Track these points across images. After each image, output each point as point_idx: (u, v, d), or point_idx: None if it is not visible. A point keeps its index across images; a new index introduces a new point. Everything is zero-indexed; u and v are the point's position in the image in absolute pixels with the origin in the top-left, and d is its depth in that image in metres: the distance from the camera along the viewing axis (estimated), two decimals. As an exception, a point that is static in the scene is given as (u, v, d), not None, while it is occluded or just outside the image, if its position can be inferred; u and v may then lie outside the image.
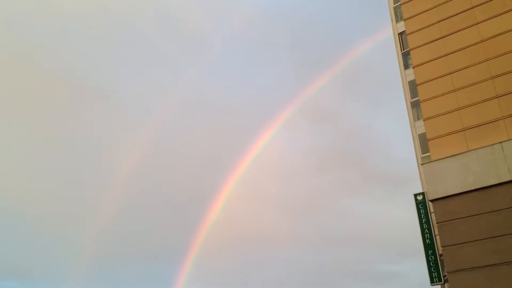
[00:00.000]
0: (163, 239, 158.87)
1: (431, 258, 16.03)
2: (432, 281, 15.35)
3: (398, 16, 32.57)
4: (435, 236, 18.14)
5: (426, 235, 16.42)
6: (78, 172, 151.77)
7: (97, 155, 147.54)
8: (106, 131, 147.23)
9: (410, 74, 27.91)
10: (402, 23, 30.71)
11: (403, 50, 31.08)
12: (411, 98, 28.49)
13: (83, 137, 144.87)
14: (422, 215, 17.00)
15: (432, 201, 14.41)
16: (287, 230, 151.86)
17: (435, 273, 16.83)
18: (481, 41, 15.81)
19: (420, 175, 20.48)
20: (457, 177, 14.01)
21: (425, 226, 16.66)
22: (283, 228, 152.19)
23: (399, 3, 27.65)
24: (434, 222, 16.70)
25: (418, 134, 25.92)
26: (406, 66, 30.61)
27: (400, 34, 31.36)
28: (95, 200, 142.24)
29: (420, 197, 17.39)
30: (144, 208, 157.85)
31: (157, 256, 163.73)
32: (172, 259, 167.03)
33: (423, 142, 23.50)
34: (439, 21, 17.32)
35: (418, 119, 26.11)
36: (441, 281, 17.91)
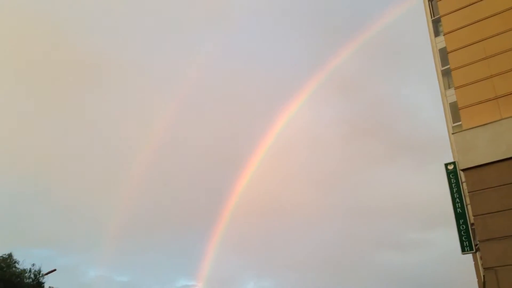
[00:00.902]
0: (190, 209, 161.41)
1: (463, 227, 16.01)
2: (463, 250, 15.39)
3: (428, -19, 31.76)
4: (466, 205, 18.05)
5: (457, 204, 16.38)
6: (105, 140, 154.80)
7: (124, 123, 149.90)
8: (132, 98, 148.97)
9: (441, 41, 27.35)
10: (432, -12, 30.00)
11: (434, 16, 30.39)
12: (442, 66, 27.97)
13: (108, 107, 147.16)
14: (453, 185, 16.92)
15: (463, 170, 14.32)
16: (314, 201, 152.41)
17: (466, 242, 16.82)
18: (515, 6, 15.41)
19: (451, 144, 20.26)
20: (489, 146, 13.86)
21: (456, 195, 16.60)
22: (310, 199, 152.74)
23: (429, -32, 26.97)
24: (465, 191, 16.59)
25: (449, 103, 25.51)
26: (436, 33, 29.97)
27: (430, 0, 30.63)
28: (122, 169, 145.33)
29: (451, 167, 17.27)
30: (171, 178, 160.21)
31: (185, 225, 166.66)
32: (201, 228, 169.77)
33: (455, 111, 23.18)
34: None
35: (449, 87, 25.68)
36: (473, 250, 17.93)
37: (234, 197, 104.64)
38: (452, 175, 17.13)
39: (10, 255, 36.91)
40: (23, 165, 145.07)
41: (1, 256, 36.31)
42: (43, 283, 37.98)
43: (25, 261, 38.70)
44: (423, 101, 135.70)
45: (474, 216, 14.09)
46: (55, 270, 40.91)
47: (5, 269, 35.38)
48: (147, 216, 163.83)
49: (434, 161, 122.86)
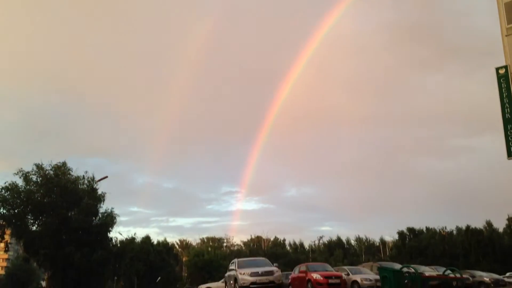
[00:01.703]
0: (234, 119, 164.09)
1: (510, 132, 15.53)
2: (509, 155, 15.05)
3: None
4: (515, 110, 17.35)
5: (506, 109, 15.79)
6: (154, 51, 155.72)
7: (166, 36, 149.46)
8: (174, 12, 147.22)
9: None
10: None
11: None
12: (498, -38, 25.83)
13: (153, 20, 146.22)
14: (503, 89, 16.22)
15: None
16: (357, 109, 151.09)
17: (514, 147, 16.42)
18: None
19: (504, 47, 19.14)
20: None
21: (506, 100, 15.96)
22: (353, 107, 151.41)
23: None
24: (516, 95, 15.92)
25: (504, 3, 23.88)
26: None
27: None
28: (171, 80, 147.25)
29: (502, 71, 16.45)
30: (217, 89, 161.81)
31: (229, 135, 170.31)
32: (244, 137, 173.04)
33: (509, 11, 21.71)
34: None
35: (505, -15, 23.86)
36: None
37: (276, 107, 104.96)
38: (503, 79, 16.36)
39: (64, 163, 38.90)
40: (74, 78, 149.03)
41: (56, 164, 38.29)
42: (96, 189, 40.12)
43: (78, 169, 40.66)
44: (474, 2, 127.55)
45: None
46: (106, 177, 43.06)
47: (60, 176, 37.46)
48: (193, 126, 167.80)
49: (483, 67, 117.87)
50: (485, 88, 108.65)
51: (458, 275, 16.95)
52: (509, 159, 15.12)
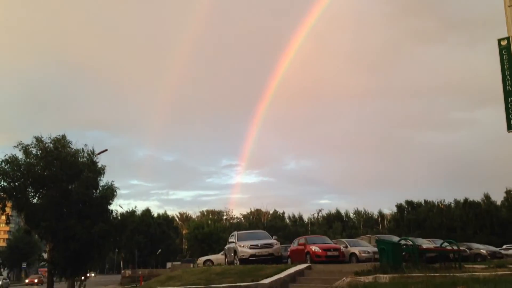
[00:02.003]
0: (233, 93, 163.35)
1: (511, 105, 15.41)
2: (509, 128, 14.98)
3: None
4: (517, 83, 17.18)
5: (507, 81, 15.65)
6: (150, 29, 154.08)
7: (166, 7, 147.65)
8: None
9: None
10: None
11: None
12: None
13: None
14: (505, 61, 16.04)
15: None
16: (357, 82, 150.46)
17: (514, 121, 16.30)
18: None
19: (506, 18, 18.84)
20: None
21: (507, 72, 15.79)
22: (354, 79, 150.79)
23: None
24: (518, 68, 15.74)
25: (508, -27, 23.42)
26: None
27: None
28: (169, 52, 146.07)
29: (504, 42, 16.23)
30: (215, 62, 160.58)
31: (228, 109, 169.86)
32: (243, 111, 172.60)
33: (513, -18, 21.30)
34: None
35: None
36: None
37: (276, 79, 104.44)
38: (505, 51, 16.16)
39: (63, 136, 38.71)
40: (74, 50, 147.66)
41: (56, 137, 38.16)
42: (96, 162, 40.08)
43: (78, 142, 40.42)
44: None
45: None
46: (106, 150, 43.06)
47: (60, 149, 37.37)
48: (194, 100, 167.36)
49: (485, 39, 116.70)
50: (488, 59, 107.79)
51: (455, 248, 17.07)
52: (509, 132, 15.06)
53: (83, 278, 41.77)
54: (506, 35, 16.69)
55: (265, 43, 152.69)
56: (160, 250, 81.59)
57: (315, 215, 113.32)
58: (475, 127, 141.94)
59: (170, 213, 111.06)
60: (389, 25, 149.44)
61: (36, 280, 76.38)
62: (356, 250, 23.78)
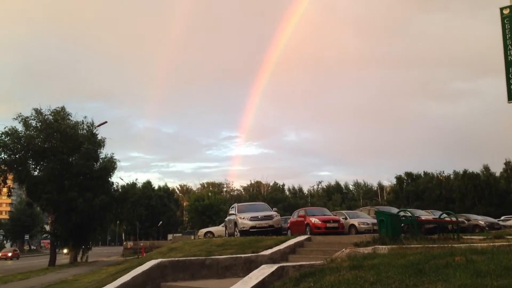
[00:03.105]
0: (233, 63, 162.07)
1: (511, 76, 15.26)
2: (510, 98, 14.84)
3: None
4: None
5: (508, 51, 15.42)
6: (149, 0, 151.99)
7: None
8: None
9: None
10: None
11: None
12: None
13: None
14: (506, 30, 15.79)
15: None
16: (357, 51, 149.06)
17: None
18: None
19: (510, -12, 18.50)
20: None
21: (509, 42, 15.55)
22: (353, 49, 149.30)
23: None
24: (520, 39, 15.54)
25: None
26: None
27: None
28: (168, 22, 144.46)
29: (506, 11, 15.94)
30: (214, 31, 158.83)
31: (228, 79, 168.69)
32: (243, 82, 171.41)
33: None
34: None
35: None
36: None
37: (276, 50, 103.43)
38: (507, 20, 15.87)
39: (63, 108, 38.69)
40: (74, 21, 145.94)
41: (55, 109, 38.09)
42: (96, 134, 40.11)
43: (77, 113, 40.44)
44: None
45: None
46: (106, 122, 43.02)
47: (60, 121, 37.36)
48: (193, 71, 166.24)
49: (487, 7, 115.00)
50: (489, 28, 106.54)
51: (453, 219, 17.19)
52: (509, 102, 14.93)
53: (84, 248, 42.21)
54: (508, 3, 16.40)
55: (266, 10, 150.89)
56: (161, 222, 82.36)
57: (315, 187, 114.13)
58: (475, 98, 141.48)
59: (171, 185, 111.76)
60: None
61: (9, 254, 67.51)
62: (355, 221, 23.94)
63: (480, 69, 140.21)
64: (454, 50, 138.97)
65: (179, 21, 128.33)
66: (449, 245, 10.39)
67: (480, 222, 31.92)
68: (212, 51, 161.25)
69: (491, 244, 10.36)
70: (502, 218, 43.42)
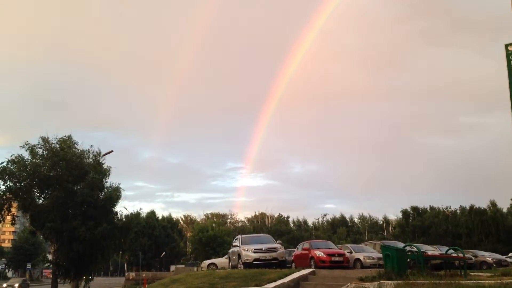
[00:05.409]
0: (239, 95, 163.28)
1: (518, 112, 15.21)
2: (516, 135, 14.79)
3: None
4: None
5: (515, 88, 15.50)
6: (156, 29, 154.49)
7: (172, 7, 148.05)
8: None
9: None
10: None
11: None
12: None
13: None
14: (512, 67, 15.89)
15: (525, 51, 13.36)
16: (364, 85, 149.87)
17: (521, 127, 16.09)
18: None
19: (515, 25, 18.71)
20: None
21: (514, 78, 15.65)
22: (360, 82, 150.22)
23: None
24: (525, 75, 15.57)
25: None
26: None
27: None
28: (174, 55, 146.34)
29: (511, 48, 16.10)
30: (221, 64, 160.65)
31: (234, 111, 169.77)
32: (249, 113, 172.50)
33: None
34: None
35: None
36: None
37: (283, 82, 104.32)
38: (512, 57, 16.03)
39: (69, 137, 38.80)
40: (78, 49, 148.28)
41: (62, 138, 38.25)
42: (102, 163, 40.12)
43: (83, 142, 40.49)
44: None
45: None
46: (112, 151, 43.07)
47: (66, 150, 37.45)
48: (199, 101, 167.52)
49: (494, 43, 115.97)
50: (496, 64, 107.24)
51: (460, 255, 16.93)
52: (516, 139, 14.89)
53: (86, 278, 41.67)
54: (514, 41, 16.54)
55: (273, 44, 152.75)
56: (164, 253, 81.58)
57: (320, 219, 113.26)
58: (482, 132, 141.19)
59: (175, 215, 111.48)
60: (397, 26, 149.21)
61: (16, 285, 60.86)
62: (360, 255, 23.66)
63: (487, 103, 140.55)
64: (462, 84, 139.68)
65: (186, 52, 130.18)
66: (456, 281, 10.21)
67: (487, 258, 31.46)
68: (219, 83, 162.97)
69: (499, 281, 10.18)
70: (510, 255, 42.83)
